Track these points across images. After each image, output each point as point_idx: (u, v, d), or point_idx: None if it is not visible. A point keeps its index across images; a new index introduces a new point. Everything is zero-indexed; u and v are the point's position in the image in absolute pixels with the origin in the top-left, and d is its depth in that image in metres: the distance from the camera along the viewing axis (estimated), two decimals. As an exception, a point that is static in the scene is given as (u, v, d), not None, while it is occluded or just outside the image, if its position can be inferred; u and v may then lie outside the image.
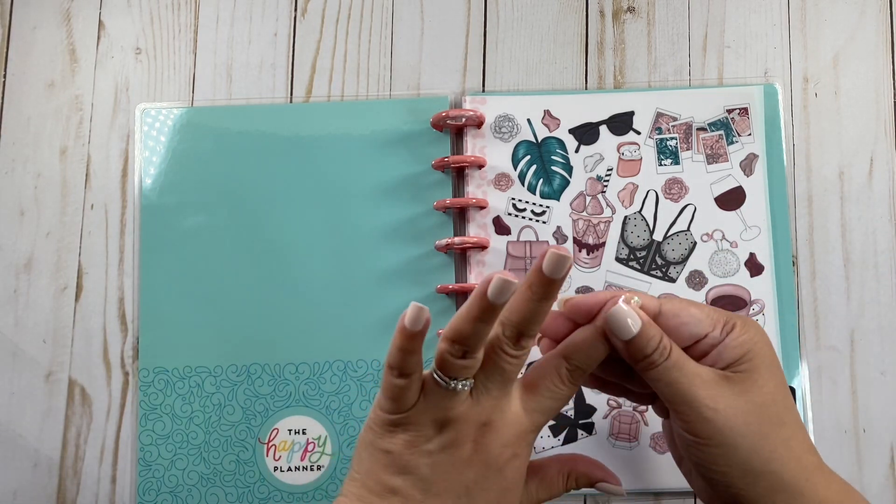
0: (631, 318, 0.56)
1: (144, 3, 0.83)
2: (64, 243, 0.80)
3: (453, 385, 0.56)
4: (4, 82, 0.82)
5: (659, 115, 0.77)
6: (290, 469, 0.76)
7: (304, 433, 0.77)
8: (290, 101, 0.81)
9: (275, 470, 0.76)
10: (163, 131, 0.80)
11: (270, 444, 0.76)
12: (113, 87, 0.82)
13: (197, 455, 0.77)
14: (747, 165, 0.76)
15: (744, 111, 0.77)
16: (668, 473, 0.74)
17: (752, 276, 0.75)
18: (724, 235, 0.76)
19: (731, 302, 0.75)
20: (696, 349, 0.58)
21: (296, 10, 0.82)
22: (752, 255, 0.75)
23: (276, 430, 0.77)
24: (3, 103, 0.82)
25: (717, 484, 0.57)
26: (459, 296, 0.76)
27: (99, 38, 0.83)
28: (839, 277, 0.76)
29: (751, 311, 0.75)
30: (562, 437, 0.74)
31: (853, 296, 0.76)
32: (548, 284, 0.55)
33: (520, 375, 0.58)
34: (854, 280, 0.76)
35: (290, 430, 0.77)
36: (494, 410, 0.57)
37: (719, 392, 0.56)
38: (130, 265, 0.79)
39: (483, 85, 0.80)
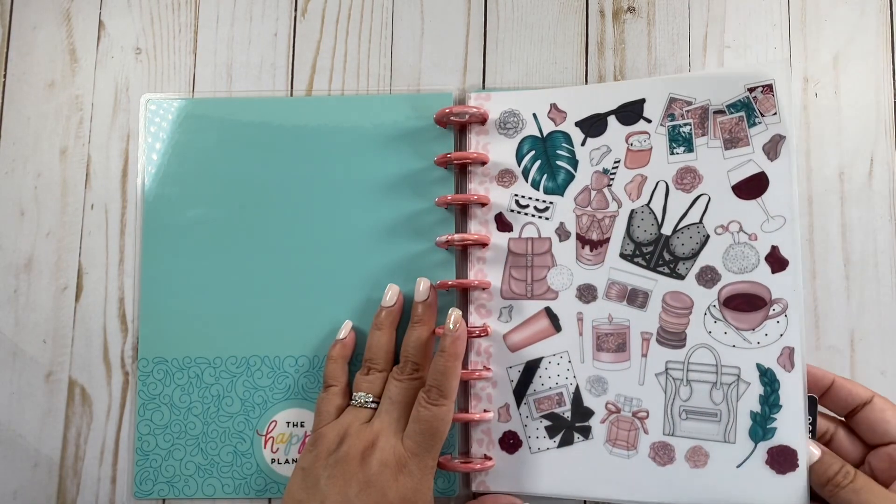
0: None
1: (144, 3, 0.83)
2: (64, 243, 0.80)
3: (356, 401, 0.71)
4: (4, 82, 0.83)
5: (672, 101, 0.74)
6: (287, 461, 0.77)
7: (301, 426, 0.77)
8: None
9: (272, 462, 0.77)
10: (166, 122, 0.80)
11: (268, 436, 0.77)
12: (113, 86, 0.82)
13: (195, 445, 0.77)
14: (772, 148, 0.71)
15: (768, 88, 0.72)
16: (667, 486, 0.71)
17: (773, 272, 0.70)
18: (741, 227, 0.71)
19: (748, 301, 0.70)
20: (866, 427, 0.68)
21: (296, 10, 0.82)
22: (774, 248, 0.71)
23: (274, 423, 0.77)
24: (3, 103, 0.82)
25: None
26: (459, 292, 0.76)
27: (99, 38, 0.83)
28: (839, 277, 0.76)
29: (771, 312, 0.70)
30: (557, 438, 0.73)
31: (853, 296, 0.75)
32: (421, 310, 0.73)
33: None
34: (854, 280, 0.76)
35: (288, 423, 0.77)
36: (381, 435, 0.68)
37: None
38: (131, 265, 0.79)
39: (483, 85, 0.80)
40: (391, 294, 0.74)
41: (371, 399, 0.71)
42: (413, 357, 0.71)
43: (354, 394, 0.72)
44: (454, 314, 0.69)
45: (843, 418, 0.69)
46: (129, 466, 0.78)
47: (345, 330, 0.75)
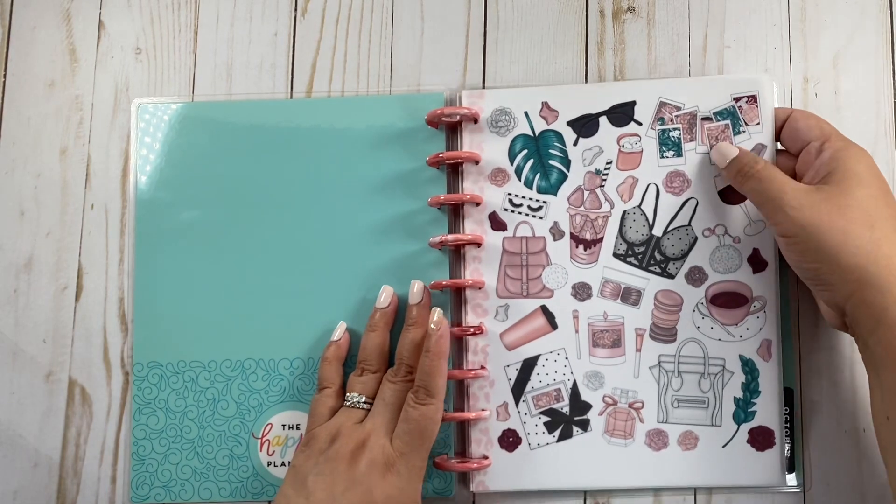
0: (727, 149, 0.73)
1: (144, 3, 0.85)
2: (64, 243, 0.82)
3: (348, 401, 0.74)
4: (4, 82, 0.85)
5: (662, 105, 0.77)
6: (283, 464, 0.78)
7: (297, 428, 0.79)
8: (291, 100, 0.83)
9: (268, 465, 0.78)
10: (159, 126, 0.82)
11: (264, 438, 0.79)
12: (113, 86, 0.84)
13: (190, 450, 0.79)
14: None
15: (752, 99, 0.76)
16: (663, 471, 0.76)
17: (754, 272, 0.76)
18: (726, 230, 0.76)
19: (732, 299, 0.76)
20: (802, 160, 0.72)
21: (296, 10, 0.84)
22: (755, 250, 0.76)
23: (269, 425, 0.79)
24: (3, 103, 0.84)
25: (817, 283, 0.69)
26: (454, 292, 0.78)
27: (99, 38, 0.85)
28: (840, 277, 0.78)
29: (752, 309, 0.76)
30: (557, 433, 0.76)
31: (854, 296, 0.78)
32: (415, 312, 0.76)
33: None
34: (855, 280, 0.78)
35: (283, 426, 0.79)
36: (372, 435, 0.70)
37: (805, 196, 0.67)
38: (130, 265, 0.81)
39: (483, 85, 0.82)
40: (385, 295, 0.77)
41: (363, 399, 0.74)
42: (407, 360, 0.74)
43: (347, 394, 0.75)
44: (436, 313, 0.72)
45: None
46: (128, 466, 0.79)
47: (339, 331, 0.78)
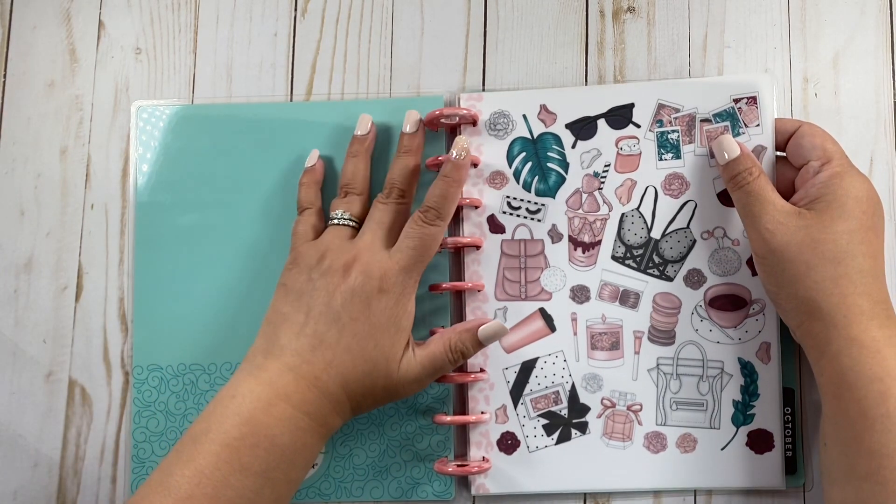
0: (730, 146, 0.73)
1: (144, 3, 0.85)
2: (64, 243, 0.83)
3: (334, 218, 0.74)
4: (4, 82, 0.85)
5: (661, 107, 0.78)
6: None
7: None
8: (291, 101, 0.83)
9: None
10: (158, 128, 0.82)
11: None
12: (113, 87, 0.84)
13: None
14: None
15: (752, 100, 0.76)
16: (662, 473, 0.76)
17: (753, 274, 0.76)
18: (725, 233, 0.76)
19: (731, 301, 0.76)
20: (800, 176, 0.72)
21: (296, 10, 0.84)
22: None
23: None
24: (3, 103, 0.85)
25: (775, 305, 0.72)
26: (453, 295, 0.79)
27: (99, 38, 0.85)
28: (840, 278, 0.79)
29: (751, 311, 0.76)
30: (555, 436, 0.77)
31: (854, 296, 0.78)
32: (407, 141, 0.77)
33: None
34: (855, 280, 0.78)
35: None
36: (364, 250, 0.70)
37: (784, 219, 0.69)
38: (131, 265, 0.82)
39: (483, 85, 0.82)
40: (363, 123, 0.78)
41: (349, 216, 0.75)
42: (399, 184, 0.75)
43: (332, 212, 0.75)
44: (459, 142, 0.73)
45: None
46: (129, 467, 0.80)
47: (313, 157, 0.79)
